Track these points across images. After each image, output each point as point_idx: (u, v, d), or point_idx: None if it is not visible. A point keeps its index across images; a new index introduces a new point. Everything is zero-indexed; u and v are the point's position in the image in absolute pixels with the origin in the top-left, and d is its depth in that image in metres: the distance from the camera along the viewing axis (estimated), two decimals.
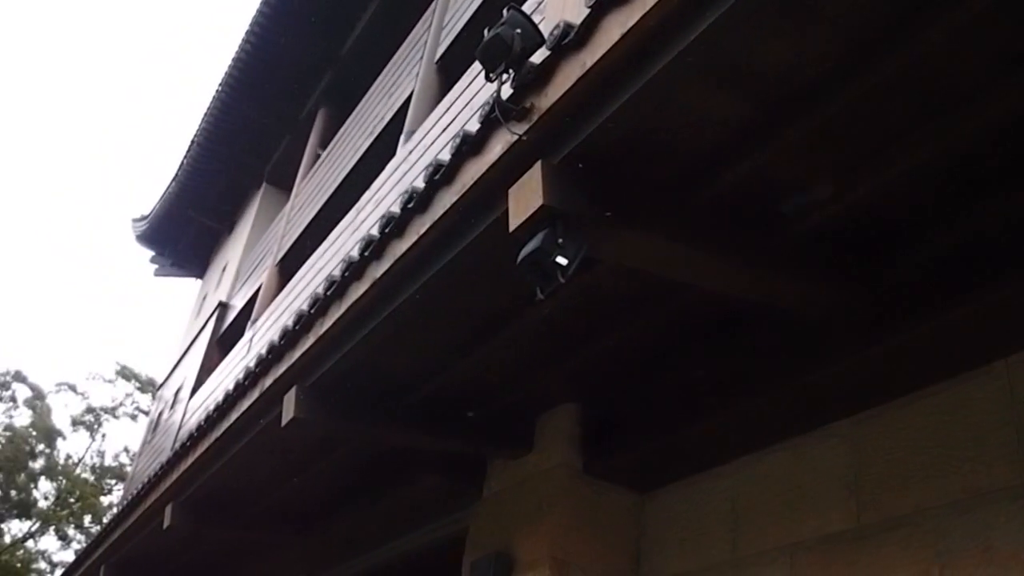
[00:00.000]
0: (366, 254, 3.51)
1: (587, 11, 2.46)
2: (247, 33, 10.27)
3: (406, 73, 8.06)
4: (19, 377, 27.26)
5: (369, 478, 5.33)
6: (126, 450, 27.69)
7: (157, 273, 16.34)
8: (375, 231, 3.47)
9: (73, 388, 28.01)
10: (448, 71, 7.20)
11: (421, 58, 7.76)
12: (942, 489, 2.90)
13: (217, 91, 11.00)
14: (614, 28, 2.36)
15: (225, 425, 4.96)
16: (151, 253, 15.75)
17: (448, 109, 6.27)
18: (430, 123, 6.63)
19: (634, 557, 4.08)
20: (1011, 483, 2.70)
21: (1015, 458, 2.73)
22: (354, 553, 5.96)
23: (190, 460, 5.47)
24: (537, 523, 4.06)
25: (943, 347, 2.93)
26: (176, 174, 12.80)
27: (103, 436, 29.40)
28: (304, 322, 4.02)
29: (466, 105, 5.71)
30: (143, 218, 14.93)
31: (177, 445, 6.27)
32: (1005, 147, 2.58)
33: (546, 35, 2.65)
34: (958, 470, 2.87)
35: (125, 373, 28.14)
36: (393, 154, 7.26)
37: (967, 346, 2.89)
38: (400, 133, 7.33)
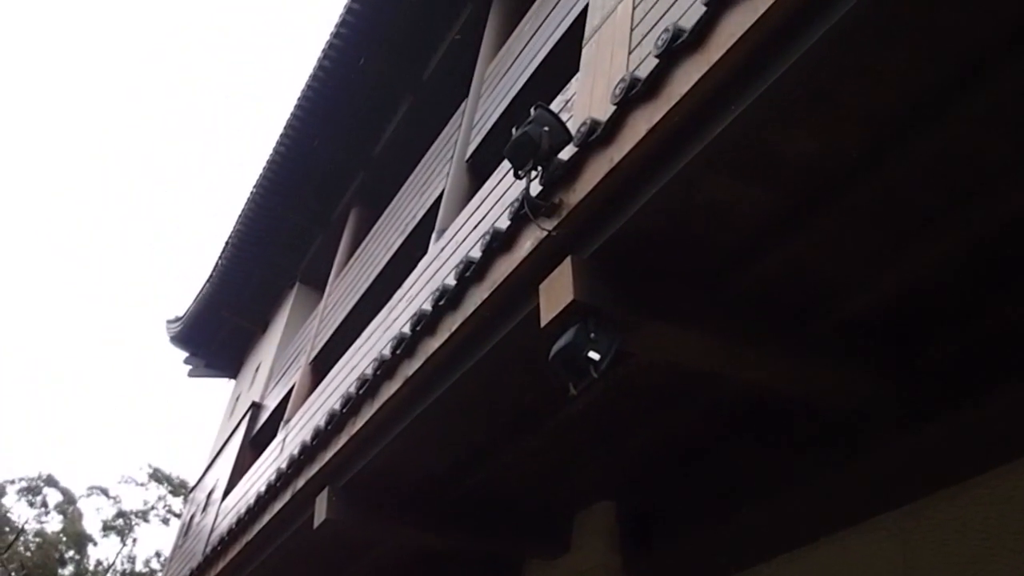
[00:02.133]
0: (398, 352, 3.51)
1: (613, 107, 2.50)
2: (281, 135, 10.55)
3: (437, 172, 8.20)
4: (50, 481, 27.30)
5: None
6: (157, 555, 27.47)
7: (191, 374, 16.46)
8: (407, 329, 3.48)
9: (105, 492, 27.99)
10: (478, 169, 7.32)
11: (451, 157, 7.90)
12: None
13: (252, 192, 11.25)
14: (640, 124, 2.40)
15: (257, 528, 4.91)
16: (185, 354, 15.90)
17: (479, 207, 6.35)
18: (461, 220, 6.71)
19: None
20: None
21: None
22: None
23: (221, 565, 5.41)
24: None
25: (987, 436, 2.85)
26: (210, 275, 13.01)
27: (134, 541, 29.18)
28: (336, 422, 4.01)
29: (496, 202, 5.79)
30: (177, 320, 15.13)
31: (208, 549, 6.20)
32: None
33: (573, 132, 2.69)
34: (1009, 562, 2.75)
35: (157, 476, 28.11)
36: (425, 252, 7.33)
37: (1012, 434, 2.81)
38: (431, 231, 7.42)
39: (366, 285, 9.07)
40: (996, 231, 2.56)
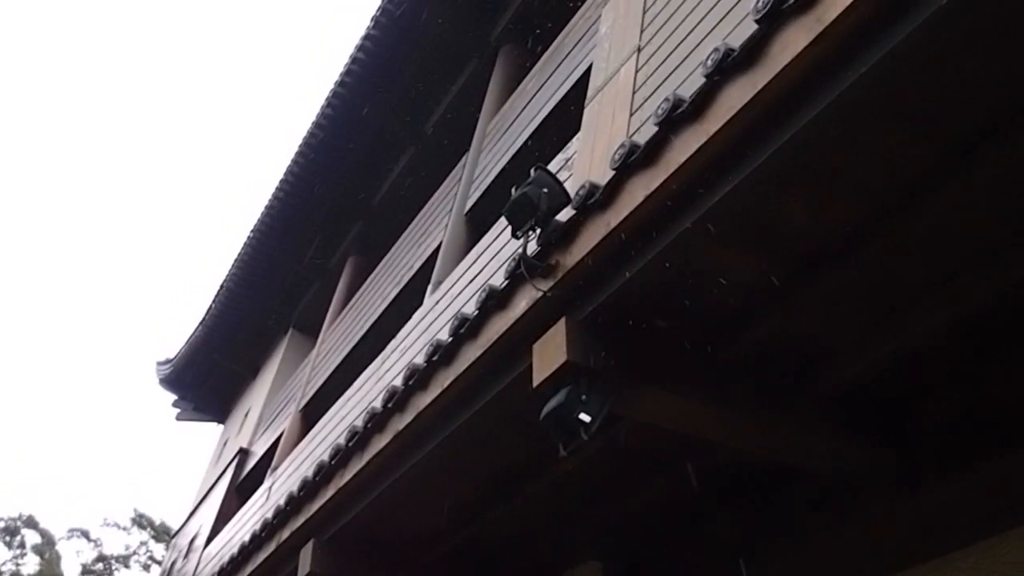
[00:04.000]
0: (389, 406, 3.51)
1: (612, 172, 2.54)
2: (282, 180, 10.60)
3: (435, 224, 8.25)
4: (30, 523, 26.82)
5: None
6: None
7: (179, 418, 16.32)
8: (399, 383, 3.48)
9: (86, 535, 27.51)
10: (477, 223, 7.36)
11: (451, 210, 7.95)
12: None
13: (249, 236, 11.27)
14: (638, 190, 2.43)
15: None
16: (173, 397, 15.80)
17: (476, 261, 6.37)
18: (457, 274, 6.72)
19: None
20: None
21: None
22: None
23: None
24: None
25: (972, 508, 2.85)
26: (203, 319, 12.98)
27: None
28: (324, 473, 3.99)
29: (493, 258, 5.81)
30: (167, 361, 15.04)
31: None
32: (1018, 309, 2.58)
33: (572, 194, 2.73)
34: None
35: (141, 521, 27.68)
36: (420, 304, 7.34)
37: (996, 507, 2.81)
38: (428, 283, 7.44)
39: (360, 334, 9.06)
40: (982, 306, 2.58)
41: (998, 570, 2.82)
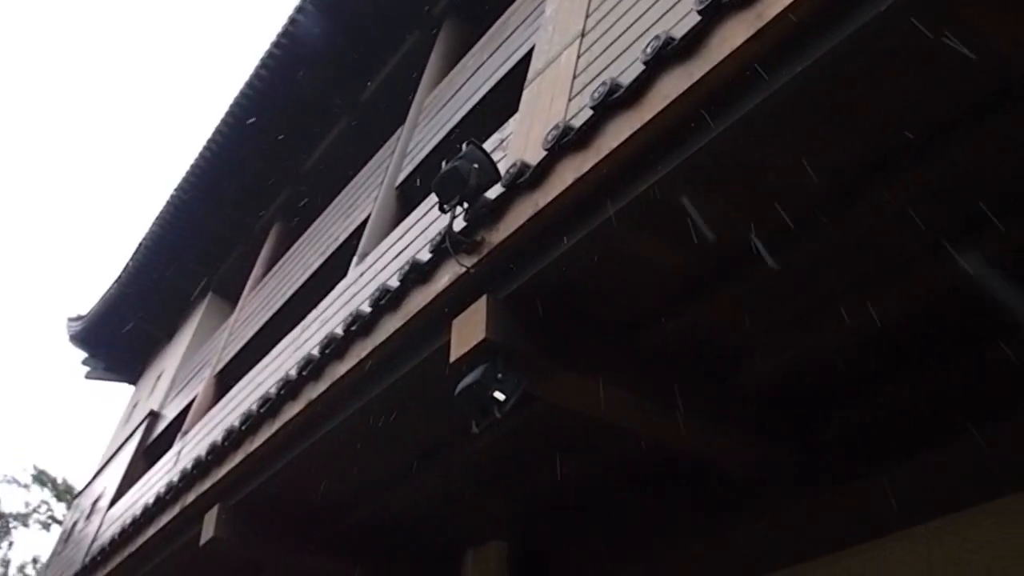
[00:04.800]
0: (304, 374, 3.46)
1: (544, 153, 2.53)
2: (209, 140, 10.34)
3: (365, 196, 8.15)
4: None
5: None
6: (35, 561, 26.22)
7: (88, 376, 15.88)
8: (316, 351, 3.43)
9: None
10: (407, 198, 7.29)
11: (381, 182, 7.86)
12: None
13: (172, 196, 10.98)
14: (568, 172, 2.43)
15: (141, 540, 4.75)
16: (84, 355, 15.35)
17: (403, 236, 6.31)
18: (384, 247, 6.66)
19: None
20: None
21: None
22: None
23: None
24: None
25: (865, 510, 2.93)
26: (119, 277, 12.63)
27: (10, 544, 27.80)
28: (234, 439, 3.92)
29: (421, 233, 5.77)
30: (79, 318, 14.60)
31: (88, 559, 5.97)
32: (927, 323, 2.65)
33: (503, 172, 2.71)
34: None
35: (42, 478, 26.89)
36: (344, 275, 7.25)
37: (888, 509, 2.89)
38: (353, 254, 7.35)
39: (281, 302, 8.92)
40: (893, 317, 2.64)
41: (888, 569, 2.92)
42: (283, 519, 4.04)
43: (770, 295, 2.66)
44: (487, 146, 5.18)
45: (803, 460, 3.06)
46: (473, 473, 3.62)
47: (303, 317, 7.60)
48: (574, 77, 4.50)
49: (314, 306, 7.47)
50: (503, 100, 5.71)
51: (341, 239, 8.07)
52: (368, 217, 7.55)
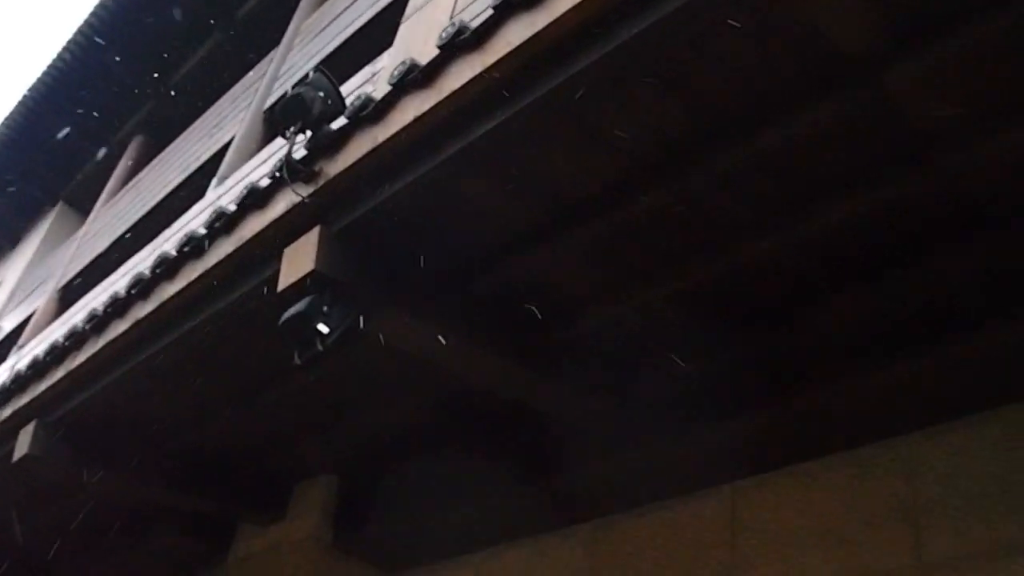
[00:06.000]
0: (133, 292, 3.35)
1: (388, 88, 2.50)
2: (70, 41, 9.74)
3: (232, 117, 7.87)
4: None
5: (109, 530, 4.97)
6: None
7: None
8: (146, 270, 3.32)
9: None
10: (274, 123, 7.09)
11: (249, 105, 7.60)
12: None
13: (24, 96, 10.34)
14: (409, 110, 2.41)
15: None
16: None
17: (265, 161, 6.15)
18: (243, 172, 6.47)
19: None
20: None
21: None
22: None
23: None
24: None
25: (676, 467, 3.08)
26: None
27: None
28: (57, 354, 3.77)
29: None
30: None
31: None
32: (748, 290, 2.76)
33: (346, 103, 2.66)
34: None
35: None
36: (202, 197, 7.02)
37: (697, 468, 3.04)
38: (213, 176, 7.12)
39: (134, 219, 8.57)
40: (710, 285, 2.74)
41: (695, 524, 3.07)
42: (104, 442, 3.91)
43: (607, 249, 2.70)
44: (358, 78, 5.08)
45: (625, 413, 3.15)
46: (304, 407, 3.60)
47: (157, 237, 7.35)
48: (452, 16, 4.44)
49: (169, 226, 7.22)
50: (382, 33, 5.59)
51: (203, 159, 7.79)
52: (232, 139, 7.31)
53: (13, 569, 5.51)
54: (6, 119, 10.68)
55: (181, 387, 3.57)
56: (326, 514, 4.05)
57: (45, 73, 10.15)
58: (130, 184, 9.47)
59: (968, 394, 2.55)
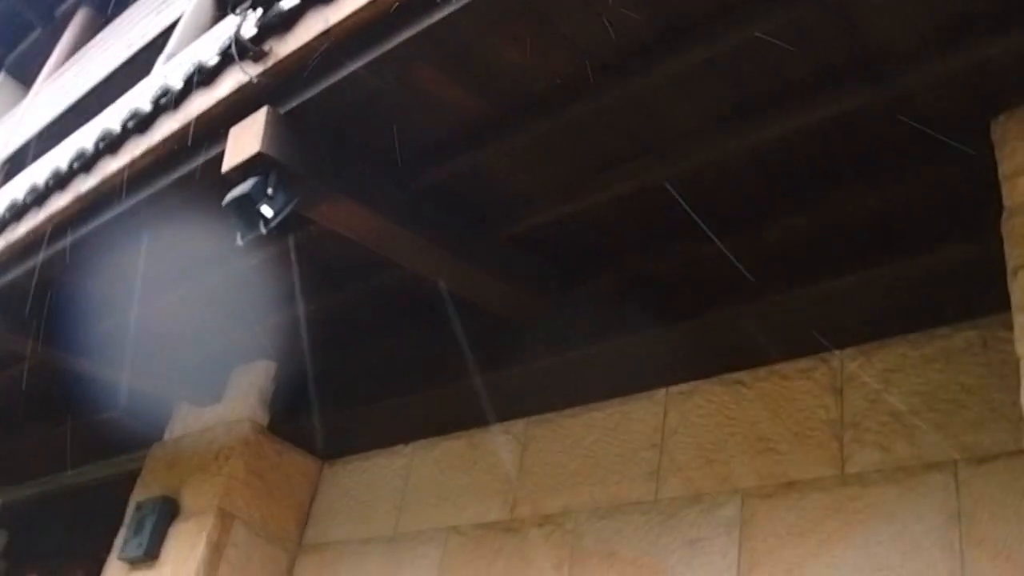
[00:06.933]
0: (74, 167, 3.29)
1: None
2: None
3: None
4: None
5: (48, 404, 4.98)
6: None
7: None
8: (89, 145, 3.26)
9: None
10: (224, 2, 6.86)
11: None
12: (587, 495, 3.11)
13: None
14: None
15: None
16: None
17: (214, 41, 5.97)
18: (192, 50, 6.29)
19: (303, 520, 4.09)
20: (644, 499, 2.95)
21: (653, 477, 2.98)
22: (26, 477, 5.62)
23: None
24: (211, 473, 3.97)
25: (612, 369, 3.15)
26: None
27: None
28: None
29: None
30: None
31: None
32: (694, 198, 2.79)
33: None
34: (603, 481, 3.09)
35: None
36: (148, 74, 6.82)
37: (631, 370, 3.12)
38: (161, 52, 6.90)
39: (79, 94, 8.31)
40: (661, 185, 2.76)
41: (627, 425, 3.16)
42: (50, 317, 3.89)
43: (557, 147, 2.71)
44: None
45: (568, 313, 3.20)
46: (243, 291, 3.59)
47: (100, 112, 7.15)
48: None
49: (113, 103, 7.03)
50: None
51: (150, 36, 7.54)
52: (181, 16, 7.08)
53: None
54: None
55: (121, 265, 3.55)
56: (262, 399, 4.10)
57: None
58: (75, 57, 9.16)
59: (903, 313, 2.60)
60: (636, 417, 3.15)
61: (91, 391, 4.45)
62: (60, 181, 3.38)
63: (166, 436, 4.44)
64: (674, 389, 3.11)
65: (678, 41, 2.31)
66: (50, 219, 3.44)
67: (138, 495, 4.25)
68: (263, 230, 2.49)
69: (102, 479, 5.08)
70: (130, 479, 4.47)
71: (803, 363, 2.81)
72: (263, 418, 4.06)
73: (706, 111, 2.52)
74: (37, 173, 6.89)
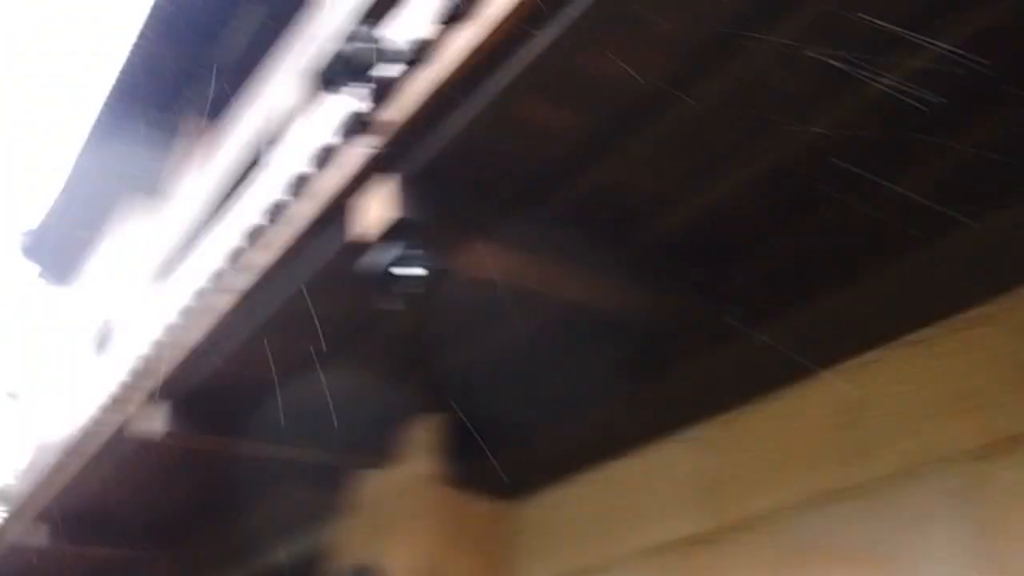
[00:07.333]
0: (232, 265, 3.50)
1: (437, 27, 2.52)
2: (135, 45, 9.96)
3: (277, 83, 7.93)
4: None
5: (233, 491, 5.23)
6: None
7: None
8: (240, 242, 3.47)
9: None
10: (327, 83, 7.10)
11: (293, 69, 7.64)
12: (784, 492, 3.03)
13: (102, 109, 10.63)
14: (460, 45, 2.43)
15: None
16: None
17: (322, 123, 6.19)
18: (303, 135, 6.54)
19: (504, 564, 4.14)
20: (842, 485, 2.85)
21: (848, 461, 2.87)
22: (220, 568, 5.87)
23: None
24: (403, 534, 4.09)
25: (779, 356, 3.06)
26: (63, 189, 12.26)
27: None
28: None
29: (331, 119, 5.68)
30: (31, 231, 14.35)
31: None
32: (827, 163, 2.72)
33: (397, 49, 2.70)
34: (799, 473, 3.01)
35: None
36: (258, 164, 7.13)
37: (802, 355, 3.03)
38: (267, 142, 7.21)
39: (203, 199, 8.77)
40: (791, 161, 2.71)
41: (797, 415, 3.07)
42: (221, 409, 4.11)
43: (672, 146, 2.71)
44: (398, 22, 5.09)
45: (719, 309, 3.16)
46: (399, 351, 3.70)
47: (223, 210, 7.49)
48: None
49: (232, 197, 7.36)
50: None
51: (256, 128, 7.89)
52: (284, 105, 7.38)
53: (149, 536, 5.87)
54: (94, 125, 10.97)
55: (284, 348, 3.69)
56: (436, 452, 4.19)
57: (115, 85, 10.37)
58: (192, 163, 9.66)
59: None
60: (817, 400, 3.00)
61: (271, 473, 4.65)
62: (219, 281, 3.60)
63: (349, 505, 4.58)
64: (842, 367, 2.97)
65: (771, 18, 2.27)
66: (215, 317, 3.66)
67: (334, 568, 4.39)
68: (416, 292, 2.57)
69: (292, 559, 5.25)
70: (317, 555, 4.63)
71: (983, 310, 2.59)
72: (441, 471, 4.14)
73: (814, 78, 2.45)
74: (194, 279, 7.30)
